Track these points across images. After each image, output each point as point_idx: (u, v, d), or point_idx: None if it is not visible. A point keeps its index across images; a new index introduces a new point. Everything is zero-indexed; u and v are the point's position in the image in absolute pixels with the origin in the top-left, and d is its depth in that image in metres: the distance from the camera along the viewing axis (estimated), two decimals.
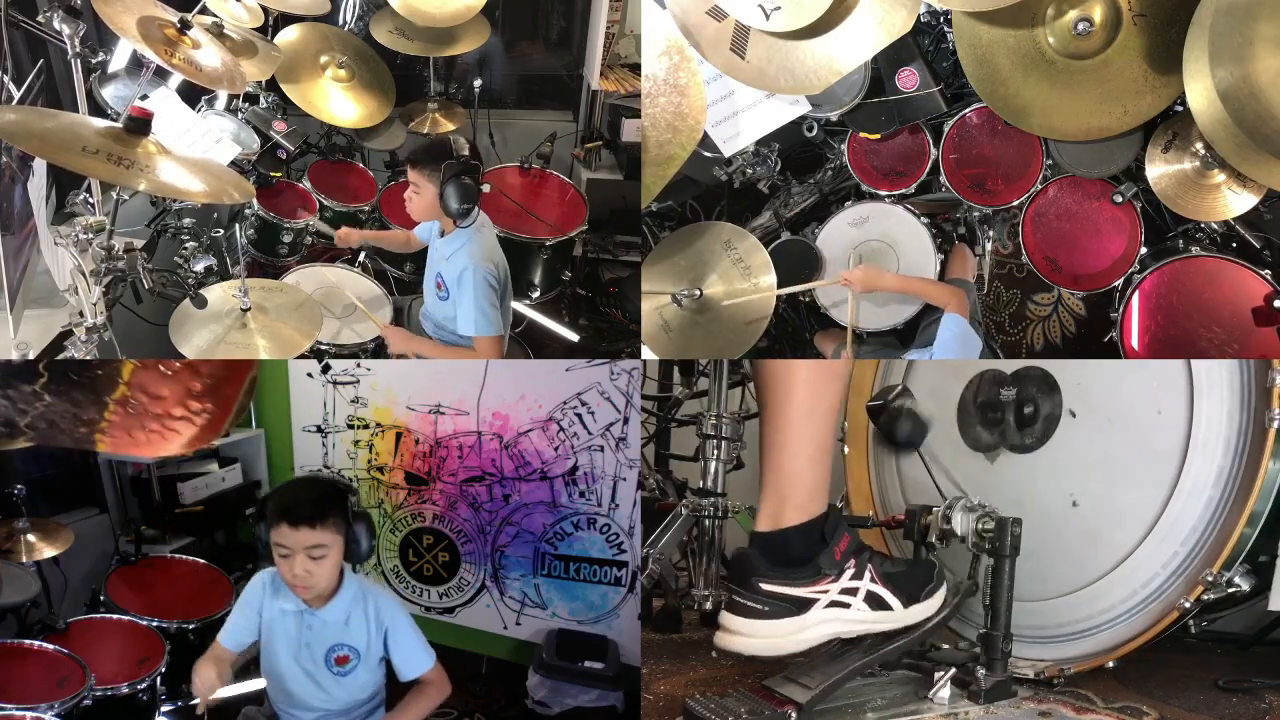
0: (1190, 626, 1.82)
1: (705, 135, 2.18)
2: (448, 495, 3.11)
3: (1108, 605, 1.82)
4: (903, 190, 2.33)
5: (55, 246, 2.29)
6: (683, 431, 3.11)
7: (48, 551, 2.57)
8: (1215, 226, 2.14)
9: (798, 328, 2.73)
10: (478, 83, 3.84)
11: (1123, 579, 1.80)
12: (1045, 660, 1.84)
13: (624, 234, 3.83)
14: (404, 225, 3.18)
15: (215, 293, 2.37)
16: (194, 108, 3.03)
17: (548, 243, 3.26)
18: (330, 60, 3.38)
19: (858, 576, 1.62)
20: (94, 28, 2.66)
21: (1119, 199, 2.12)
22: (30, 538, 2.56)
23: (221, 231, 2.95)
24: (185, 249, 2.66)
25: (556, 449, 2.93)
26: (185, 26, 2.40)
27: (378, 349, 2.77)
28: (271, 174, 3.16)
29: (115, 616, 2.61)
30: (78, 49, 2.34)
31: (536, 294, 3.35)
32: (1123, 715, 1.69)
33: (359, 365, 3.10)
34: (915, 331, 2.42)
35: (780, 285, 2.33)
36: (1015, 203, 2.23)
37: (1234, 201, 2.00)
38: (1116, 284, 2.17)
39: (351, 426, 3.19)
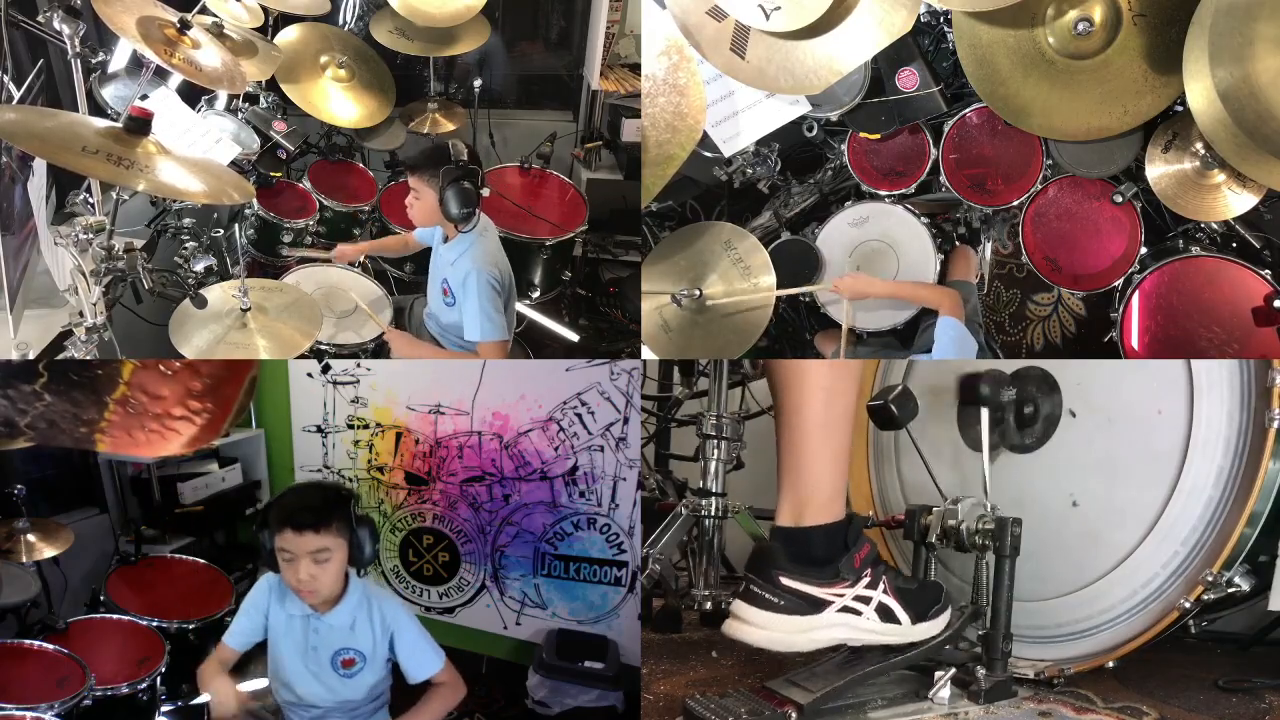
0: (1190, 626, 1.82)
1: (705, 135, 2.18)
2: (448, 495, 3.11)
3: (1108, 605, 1.82)
4: (903, 190, 2.33)
5: (55, 246, 2.28)
6: (683, 431, 3.11)
7: (48, 551, 2.57)
8: (1215, 226, 2.14)
9: (798, 328, 2.73)
10: (478, 83, 3.84)
11: (1123, 579, 1.80)
12: (1045, 660, 1.84)
13: (624, 234, 3.83)
14: (405, 225, 3.19)
15: (215, 293, 2.37)
16: (194, 108, 3.02)
17: (548, 243, 3.26)
18: (330, 60, 3.38)
19: (872, 586, 1.63)
20: (94, 28, 2.66)
21: (1119, 199, 2.12)
22: (30, 538, 2.56)
23: (221, 231, 2.95)
24: (185, 249, 2.66)
25: (556, 449, 2.93)
26: (185, 26, 2.40)
27: (378, 349, 2.77)
28: (271, 174, 3.16)
29: (115, 616, 2.61)
30: (78, 49, 2.34)
31: (536, 294, 3.35)
32: (1123, 715, 1.69)
33: (359, 365, 3.10)
34: (915, 332, 2.42)
35: (780, 285, 2.33)
36: (1015, 203, 2.23)
37: (1234, 201, 2.00)
38: (1116, 284, 2.17)
39: (351, 426, 3.19)
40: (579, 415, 2.88)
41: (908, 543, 1.92)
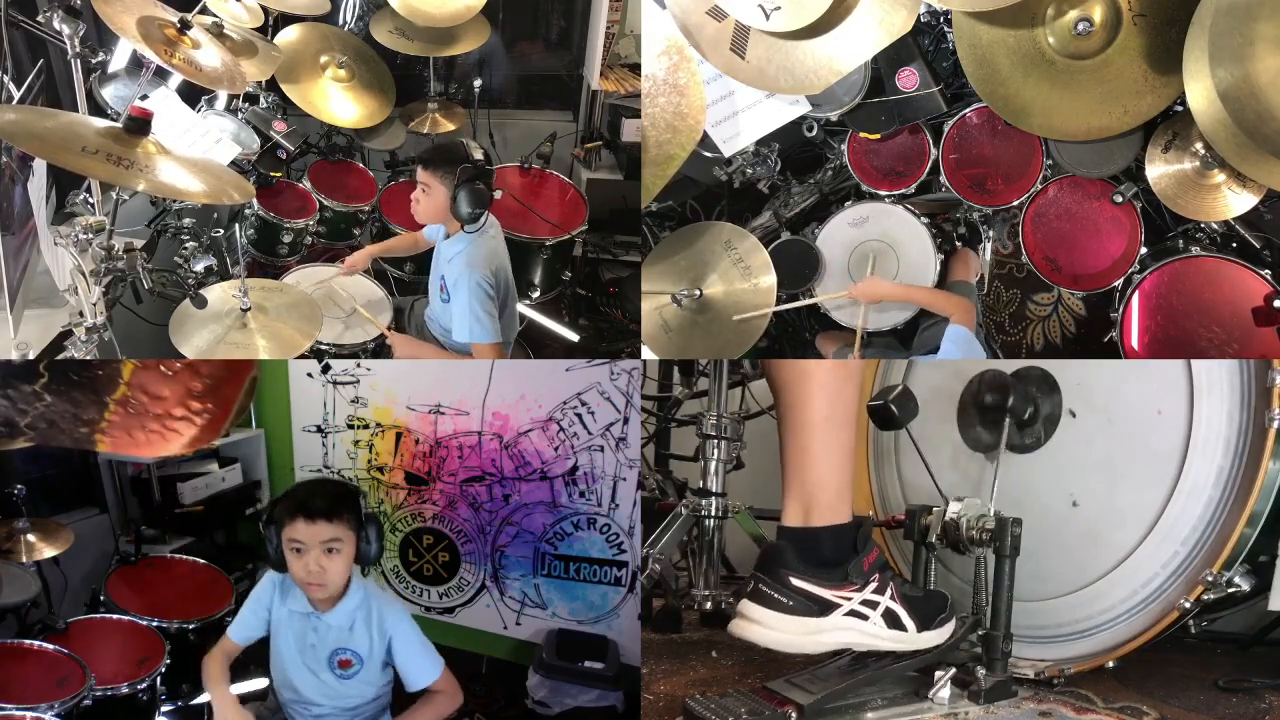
0: (1190, 626, 1.82)
1: (705, 135, 2.18)
2: (448, 495, 3.11)
3: (1108, 605, 1.82)
4: (903, 190, 2.33)
5: (55, 246, 2.28)
6: (683, 431, 3.11)
7: (48, 551, 2.57)
8: (1215, 226, 2.14)
9: (798, 328, 2.73)
10: (478, 83, 3.84)
11: (1123, 579, 1.80)
12: (1045, 660, 1.84)
13: (624, 234, 3.83)
14: (405, 225, 3.19)
15: (215, 293, 2.37)
16: (194, 108, 3.02)
17: (548, 243, 3.26)
18: (330, 60, 3.37)
19: (880, 591, 1.62)
20: (94, 28, 2.66)
21: (1119, 199, 2.12)
22: (30, 538, 2.56)
23: (221, 231, 2.95)
24: (185, 249, 2.66)
25: (556, 449, 2.93)
26: (185, 26, 2.40)
27: (378, 349, 2.77)
28: (271, 174, 3.16)
29: (115, 616, 2.61)
30: (78, 49, 2.34)
31: (536, 294, 3.35)
32: (1123, 715, 1.69)
33: (359, 365, 3.10)
34: (914, 332, 2.42)
35: (780, 285, 2.33)
36: (1015, 203, 2.23)
37: (1234, 201, 2.00)
38: (1116, 284, 2.17)
39: (351, 426, 3.19)
40: (579, 415, 2.88)
41: (908, 543, 1.92)
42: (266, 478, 3.50)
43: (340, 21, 3.70)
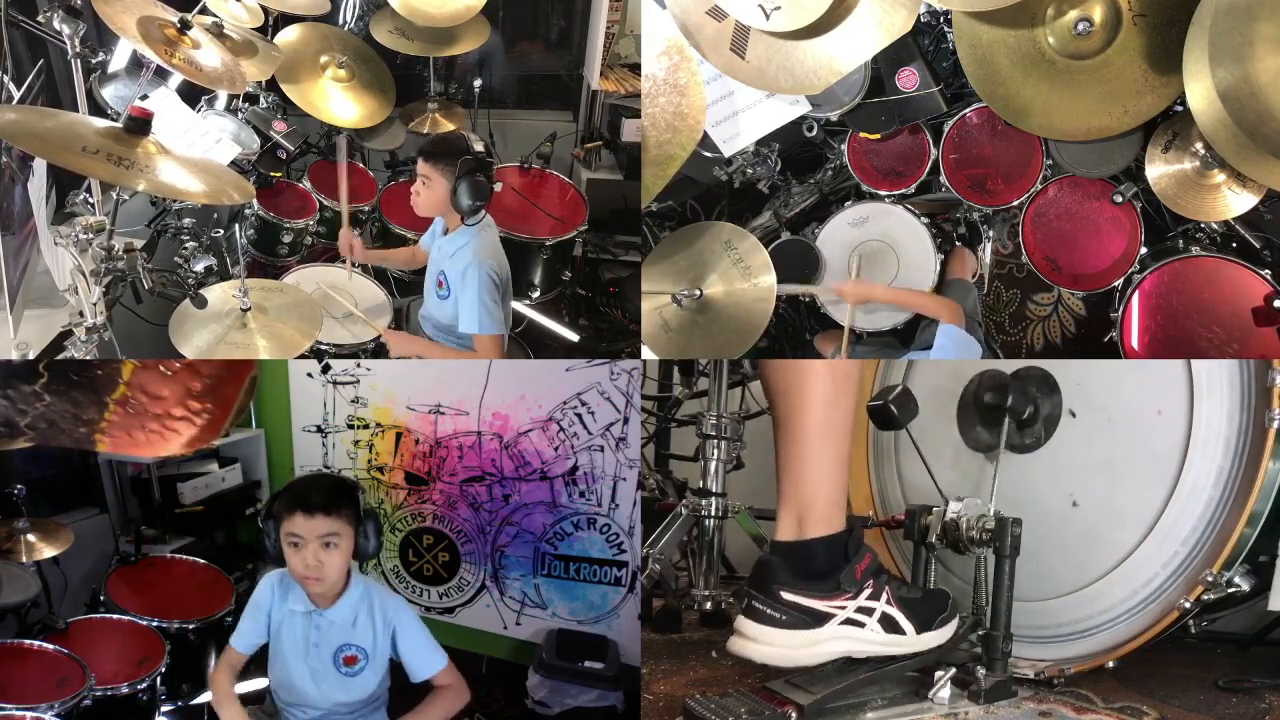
0: (1190, 626, 1.82)
1: (705, 135, 2.18)
2: (448, 495, 3.11)
3: (1108, 605, 1.82)
4: (903, 190, 2.33)
5: (55, 246, 2.28)
6: (683, 431, 3.11)
7: (48, 551, 2.57)
8: (1215, 226, 2.14)
9: (798, 328, 2.73)
10: (478, 83, 3.84)
11: (1123, 579, 1.80)
12: (1045, 660, 1.84)
13: (624, 234, 3.83)
14: (404, 224, 3.19)
15: (215, 293, 2.37)
16: (194, 108, 3.02)
17: (548, 243, 3.26)
18: (330, 60, 3.37)
19: (874, 597, 1.62)
20: (94, 28, 2.66)
21: (1119, 199, 2.12)
22: (30, 538, 2.56)
23: (221, 231, 2.95)
24: (185, 249, 2.66)
25: (556, 449, 2.93)
26: (185, 26, 2.40)
27: (378, 349, 2.77)
28: (271, 174, 3.15)
29: (115, 616, 2.61)
30: (78, 49, 2.34)
31: (536, 294, 3.35)
32: (1123, 715, 1.69)
33: (359, 365, 3.10)
34: (915, 332, 2.42)
35: (780, 285, 2.33)
36: (1015, 203, 2.23)
37: (1234, 201, 2.00)
38: (1116, 284, 2.17)
39: (351, 426, 3.19)
40: (579, 415, 2.88)
41: (908, 543, 1.92)
42: (266, 478, 3.50)
43: (340, 21, 3.70)
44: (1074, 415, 1.90)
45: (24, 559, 2.53)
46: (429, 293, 2.75)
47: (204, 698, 2.47)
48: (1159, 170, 2.03)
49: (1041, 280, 2.27)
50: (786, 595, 1.57)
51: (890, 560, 2.20)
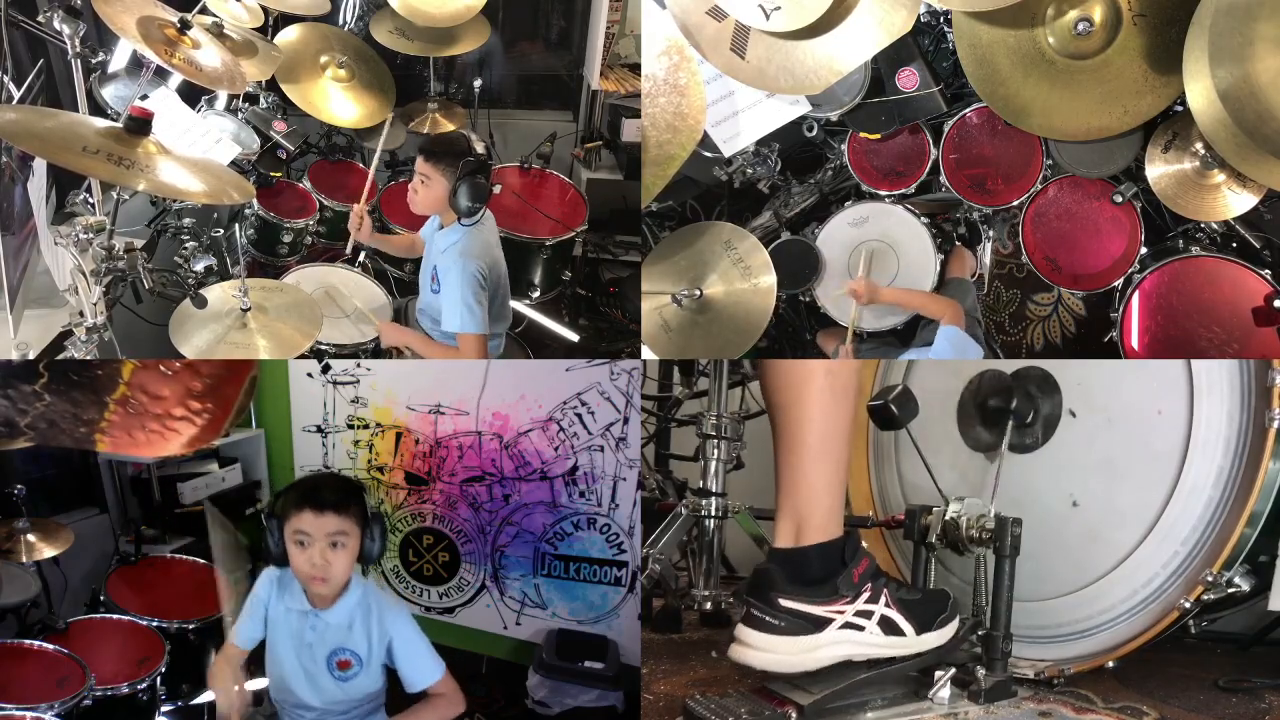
0: (1190, 626, 1.82)
1: (705, 135, 2.18)
2: (448, 495, 3.11)
3: (1108, 605, 1.82)
4: (903, 190, 2.33)
5: (55, 246, 2.29)
6: (683, 431, 3.11)
7: (48, 551, 2.57)
8: (1215, 226, 2.14)
9: (798, 328, 2.73)
10: (478, 83, 3.84)
11: (1123, 579, 1.80)
12: (1045, 660, 1.84)
13: (624, 234, 3.83)
14: (404, 224, 3.19)
15: (215, 293, 2.37)
16: (194, 108, 3.03)
17: (548, 242, 3.26)
18: (330, 60, 3.37)
19: (873, 600, 1.63)
20: (94, 28, 2.66)
21: (1119, 199, 2.12)
22: (30, 538, 2.56)
23: (221, 231, 2.95)
24: (185, 249, 2.66)
25: (556, 449, 2.93)
26: (185, 26, 2.40)
27: (378, 349, 2.77)
28: (271, 174, 3.16)
29: (115, 616, 2.61)
30: (78, 49, 2.34)
31: (536, 294, 3.35)
32: (1123, 715, 1.69)
33: (359, 365, 3.10)
34: (914, 332, 2.42)
35: (780, 285, 2.33)
36: (1015, 203, 2.23)
37: (1234, 201, 2.00)
38: (1116, 284, 2.17)
39: (351, 426, 3.19)
40: (579, 415, 2.88)
41: (908, 543, 1.92)
42: (266, 478, 3.50)
43: (340, 21, 3.70)
44: (1074, 415, 1.90)
45: (24, 559, 2.53)
46: (424, 287, 2.76)
47: (204, 698, 2.46)
48: (1159, 170, 2.03)
49: (1041, 280, 2.27)
50: (785, 602, 1.58)
51: (890, 560, 2.20)
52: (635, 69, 4.29)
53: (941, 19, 2.16)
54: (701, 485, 2.33)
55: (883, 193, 2.35)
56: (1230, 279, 2.05)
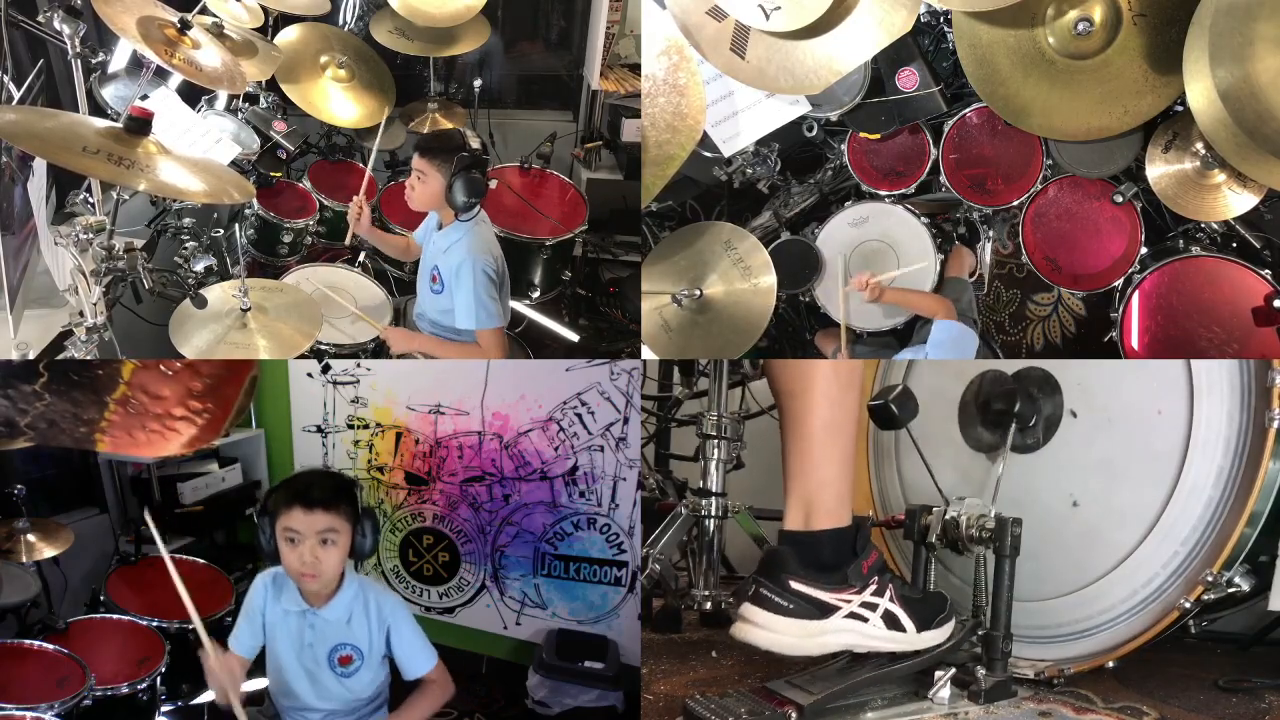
0: (1190, 626, 1.82)
1: (705, 135, 2.18)
2: (448, 495, 3.11)
3: (1108, 605, 1.82)
4: (903, 190, 2.33)
5: (55, 246, 2.29)
6: (683, 431, 3.11)
7: (48, 551, 2.57)
8: (1215, 226, 2.14)
9: (798, 328, 2.73)
10: (478, 83, 3.84)
11: (1123, 579, 1.80)
12: (1045, 660, 1.84)
13: (624, 234, 3.83)
14: (403, 223, 3.19)
15: (215, 293, 2.37)
16: (194, 108, 3.02)
17: (548, 242, 3.26)
18: (330, 60, 3.37)
19: (879, 594, 1.64)
20: (94, 28, 2.66)
21: (1119, 199, 2.12)
22: (30, 538, 2.56)
23: (221, 231, 2.95)
24: (185, 249, 2.66)
25: (556, 449, 2.93)
26: (185, 26, 2.40)
27: (377, 349, 2.77)
28: (271, 174, 3.16)
29: (115, 616, 2.61)
30: (78, 49, 2.34)
31: (536, 294, 3.35)
32: (1123, 715, 1.69)
33: (359, 365, 3.10)
34: (913, 331, 2.42)
35: (780, 285, 2.33)
36: (1015, 203, 2.23)
37: (1234, 201, 2.00)
38: (1116, 284, 2.17)
39: (351, 426, 3.19)
40: (579, 415, 2.88)
41: (908, 543, 1.92)
42: (266, 478, 3.50)
43: (340, 21, 3.70)
44: (1074, 415, 1.90)
45: (24, 559, 2.53)
46: (422, 288, 2.75)
47: (204, 697, 2.46)
48: (1159, 170, 2.03)
49: (1041, 280, 2.27)
50: (795, 585, 1.58)
51: (890, 560, 2.20)
52: (635, 69, 4.29)
53: (941, 19, 2.16)
54: (701, 485, 2.33)
55: (883, 193, 2.35)
56: (1230, 279, 2.05)
